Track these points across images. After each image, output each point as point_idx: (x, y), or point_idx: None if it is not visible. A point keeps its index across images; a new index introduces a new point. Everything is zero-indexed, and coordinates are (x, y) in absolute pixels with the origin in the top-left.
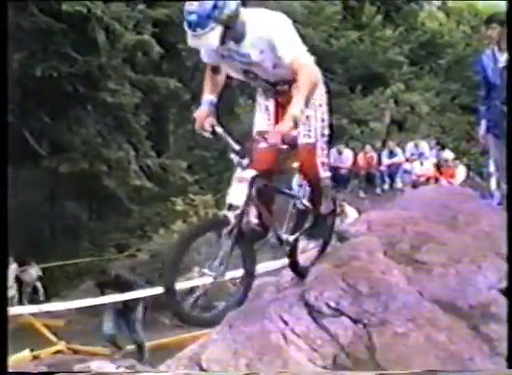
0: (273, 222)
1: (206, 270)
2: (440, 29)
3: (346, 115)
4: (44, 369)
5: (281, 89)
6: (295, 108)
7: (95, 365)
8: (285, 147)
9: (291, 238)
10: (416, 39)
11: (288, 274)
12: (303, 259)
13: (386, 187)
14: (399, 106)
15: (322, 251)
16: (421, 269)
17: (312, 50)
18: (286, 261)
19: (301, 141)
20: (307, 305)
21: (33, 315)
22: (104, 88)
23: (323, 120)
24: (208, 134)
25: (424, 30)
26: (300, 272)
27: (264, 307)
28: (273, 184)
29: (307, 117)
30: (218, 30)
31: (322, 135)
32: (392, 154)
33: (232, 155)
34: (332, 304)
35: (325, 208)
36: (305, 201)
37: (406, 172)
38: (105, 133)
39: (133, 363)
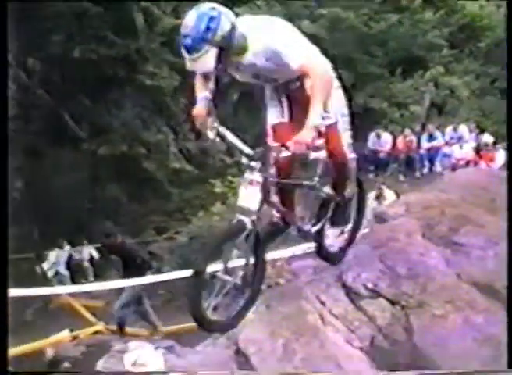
0: (293, 216)
1: (227, 277)
2: (480, 12)
3: (385, 98)
4: (82, 348)
5: (293, 86)
6: (314, 117)
7: (133, 345)
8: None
9: (314, 229)
10: (456, 22)
11: None
12: (333, 244)
13: (426, 170)
14: (438, 89)
15: (353, 235)
16: (459, 251)
17: (352, 32)
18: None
19: (324, 122)
20: (344, 286)
21: (73, 295)
22: (143, 71)
23: (341, 100)
24: (212, 136)
25: (464, 13)
26: (327, 257)
27: (302, 288)
28: (290, 180)
29: None
30: (213, 52)
31: (342, 115)
32: (431, 137)
33: (243, 158)
34: (370, 285)
35: (349, 191)
36: (327, 189)
37: (445, 155)
38: (144, 116)
39: (172, 344)
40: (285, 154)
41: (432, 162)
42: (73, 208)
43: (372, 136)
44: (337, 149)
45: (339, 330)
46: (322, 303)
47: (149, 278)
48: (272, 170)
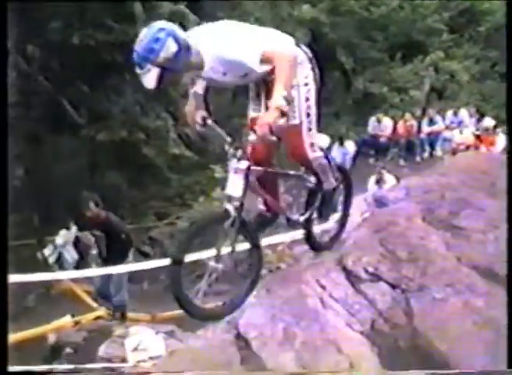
0: (280, 206)
1: (212, 263)
2: None
3: (385, 83)
4: (84, 334)
5: (268, 78)
6: (277, 98)
7: (134, 329)
8: (274, 138)
9: (302, 218)
10: (456, 6)
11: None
12: (321, 233)
13: (426, 155)
14: (438, 74)
15: (342, 224)
16: (459, 234)
17: (352, 17)
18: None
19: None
20: (345, 270)
21: (75, 281)
22: None
23: (308, 99)
24: (199, 127)
25: None
26: (316, 246)
27: (302, 272)
28: (274, 169)
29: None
30: (154, 72)
31: (308, 115)
32: (431, 122)
33: (226, 147)
34: (371, 269)
35: (326, 185)
36: (312, 179)
37: (446, 140)
38: (143, 102)
39: (173, 329)
40: (252, 137)
41: (432, 146)
42: (73, 195)
43: (372, 120)
44: (298, 150)
45: (339, 314)
46: (323, 287)
47: (151, 263)
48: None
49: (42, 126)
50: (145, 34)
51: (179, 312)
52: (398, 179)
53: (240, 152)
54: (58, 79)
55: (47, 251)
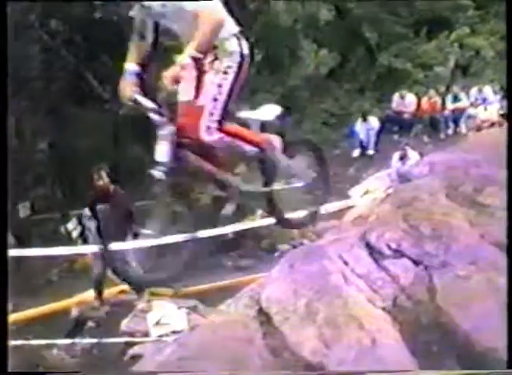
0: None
1: (145, 230)
2: None
3: (410, 59)
4: (107, 308)
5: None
6: (183, 56)
7: (157, 304)
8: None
9: (263, 189)
10: None
11: (350, 216)
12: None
13: (450, 131)
14: (463, 50)
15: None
16: (483, 212)
17: None
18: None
19: (182, 98)
20: (367, 245)
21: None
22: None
23: (220, 86)
24: (130, 103)
25: None
26: (286, 224)
27: (325, 247)
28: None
29: (202, 79)
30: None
31: (215, 100)
32: (456, 99)
33: (154, 116)
34: (393, 245)
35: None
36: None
37: (470, 117)
38: None
39: (195, 304)
40: (162, 95)
41: (456, 123)
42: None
43: (396, 97)
44: (192, 128)
45: (361, 290)
46: (345, 263)
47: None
48: None
49: (66, 100)
50: None
51: (202, 286)
52: (422, 155)
53: (163, 119)
54: (82, 53)
55: (70, 226)
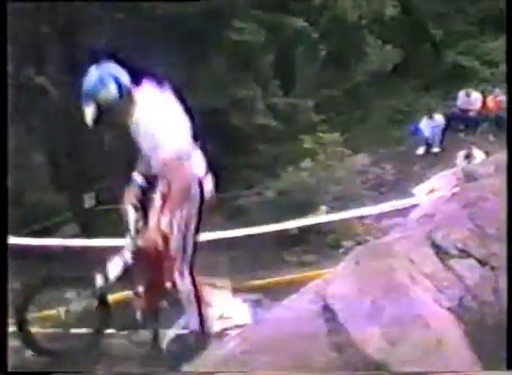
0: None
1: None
2: None
3: (476, 56)
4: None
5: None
6: (162, 223)
7: (220, 297)
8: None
9: None
10: None
11: (416, 214)
12: None
13: None
14: None
15: None
16: None
17: None
18: None
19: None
20: (434, 245)
21: None
22: (230, 26)
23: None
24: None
25: None
26: None
27: (391, 245)
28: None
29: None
30: (91, 108)
31: (184, 250)
32: None
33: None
34: (459, 245)
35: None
36: None
37: None
38: (232, 71)
39: (259, 298)
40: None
41: None
42: None
43: (462, 94)
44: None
45: (427, 289)
46: (411, 261)
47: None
48: None
49: None
50: (93, 72)
51: (267, 280)
52: (488, 154)
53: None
54: (143, 48)
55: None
